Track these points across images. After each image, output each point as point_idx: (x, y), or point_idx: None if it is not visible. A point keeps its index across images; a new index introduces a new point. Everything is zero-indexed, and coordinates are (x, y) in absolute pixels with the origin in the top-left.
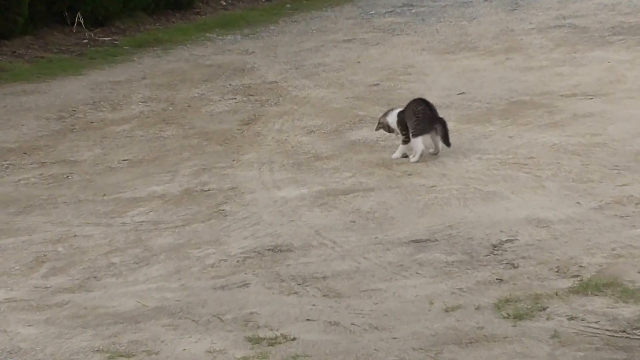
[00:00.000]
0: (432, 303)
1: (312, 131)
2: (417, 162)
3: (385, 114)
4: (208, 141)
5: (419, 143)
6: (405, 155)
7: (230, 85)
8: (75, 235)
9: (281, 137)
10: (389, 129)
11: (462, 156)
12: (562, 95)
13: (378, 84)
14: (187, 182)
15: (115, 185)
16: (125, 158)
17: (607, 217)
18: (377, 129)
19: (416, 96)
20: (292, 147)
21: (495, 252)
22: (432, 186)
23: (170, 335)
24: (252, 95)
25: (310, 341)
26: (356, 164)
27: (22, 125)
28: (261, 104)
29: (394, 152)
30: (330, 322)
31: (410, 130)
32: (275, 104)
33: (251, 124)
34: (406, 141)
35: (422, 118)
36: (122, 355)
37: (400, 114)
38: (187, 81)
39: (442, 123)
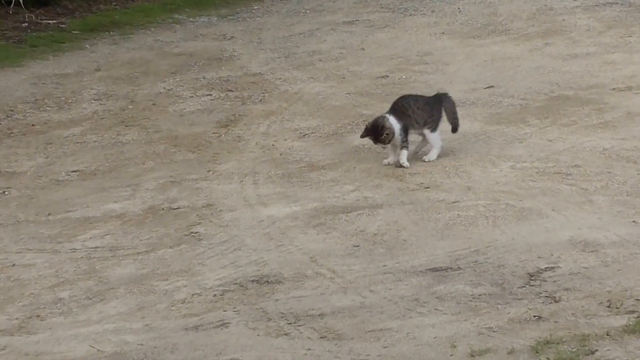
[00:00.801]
0: (454, 346)
1: (306, 134)
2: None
3: (386, 119)
4: (177, 147)
5: (439, 138)
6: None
7: (204, 78)
8: (13, 265)
9: (267, 142)
10: (389, 140)
11: (490, 164)
12: (613, 89)
13: (387, 76)
14: (151, 198)
15: (63, 203)
16: (75, 169)
17: None
18: (385, 141)
19: (433, 91)
20: (280, 154)
21: (533, 282)
22: (454, 202)
23: None
24: (232, 91)
25: None
26: (360, 175)
27: None
28: (242, 102)
29: (387, 158)
30: None
31: (429, 127)
32: (259, 101)
33: (230, 126)
34: (407, 147)
35: (433, 109)
36: None
37: (396, 119)
38: (151, 74)
39: (448, 99)
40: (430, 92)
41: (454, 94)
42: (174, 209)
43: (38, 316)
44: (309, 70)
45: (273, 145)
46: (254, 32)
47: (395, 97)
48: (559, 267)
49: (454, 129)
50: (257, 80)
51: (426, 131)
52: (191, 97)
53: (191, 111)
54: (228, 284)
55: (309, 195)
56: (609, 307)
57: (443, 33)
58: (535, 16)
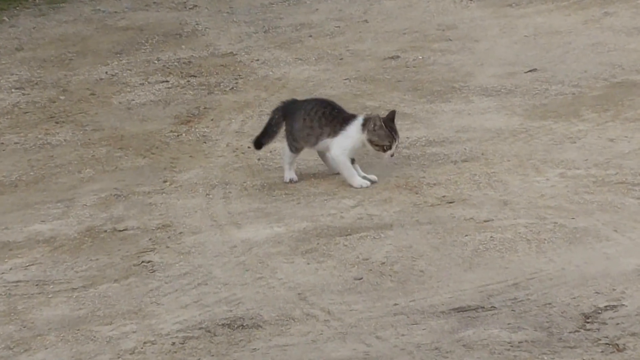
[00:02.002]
0: None
1: None
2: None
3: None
4: (123, 151)
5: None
6: None
7: (158, 60)
8: None
9: (241, 143)
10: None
11: (533, 171)
12: None
13: (397, 57)
14: (90, 217)
15: None
16: None
17: None
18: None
19: (458, 75)
20: (259, 159)
21: (589, 326)
22: (486, 221)
23: None
24: (195, 77)
25: None
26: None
27: None
28: (209, 91)
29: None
30: None
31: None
32: (231, 89)
33: (193, 123)
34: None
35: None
36: None
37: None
38: (89, 54)
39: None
40: (454, 77)
41: (485, 80)
42: (120, 231)
43: None
44: (295, 49)
45: (249, 147)
46: None
47: (410, 84)
48: (623, 305)
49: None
50: (228, 62)
51: None
52: (142, 84)
53: (142, 103)
54: (191, 328)
55: (296, 213)
56: None
57: (471, 0)
58: None
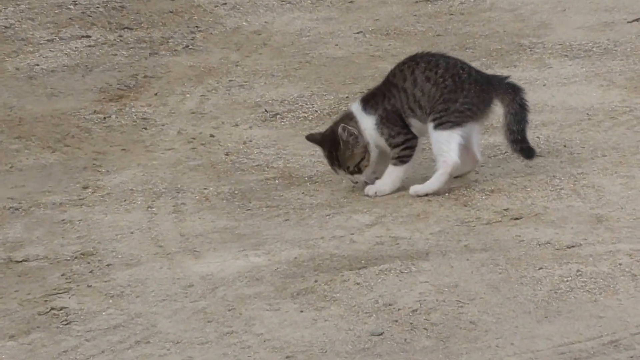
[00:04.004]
0: None
1: (277, 115)
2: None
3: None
4: (23, 141)
5: (453, 143)
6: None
7: (75, 4)
8: None
9: (201, 130)
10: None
11: None
12: None
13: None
14: None
15: None
16: None
17: None
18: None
19: (528, 27)
20: (227, 154)
21: None
22: (571, 246)
23: None
24: (131, 29)
25: None
26: (383, 195)
27: None
28: (152, 50)
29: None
30: None
31: (438, 118)
32: (185, 48)
33: (127, 99)
34: (404, 160)
35: (467, 86)
36: None
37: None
38: None
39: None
40: (522, 30)
41: (568, 34)
42: (17, 262)
43: None
44: None
45: (212, 136)
46: None
47: (453, 38)
48: None
49: (523, 149)
50: (181, 7)
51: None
52: (50, 41)
53: (50, 69)
54: None
55: (283, 235)
56: None
57: None
58: None
